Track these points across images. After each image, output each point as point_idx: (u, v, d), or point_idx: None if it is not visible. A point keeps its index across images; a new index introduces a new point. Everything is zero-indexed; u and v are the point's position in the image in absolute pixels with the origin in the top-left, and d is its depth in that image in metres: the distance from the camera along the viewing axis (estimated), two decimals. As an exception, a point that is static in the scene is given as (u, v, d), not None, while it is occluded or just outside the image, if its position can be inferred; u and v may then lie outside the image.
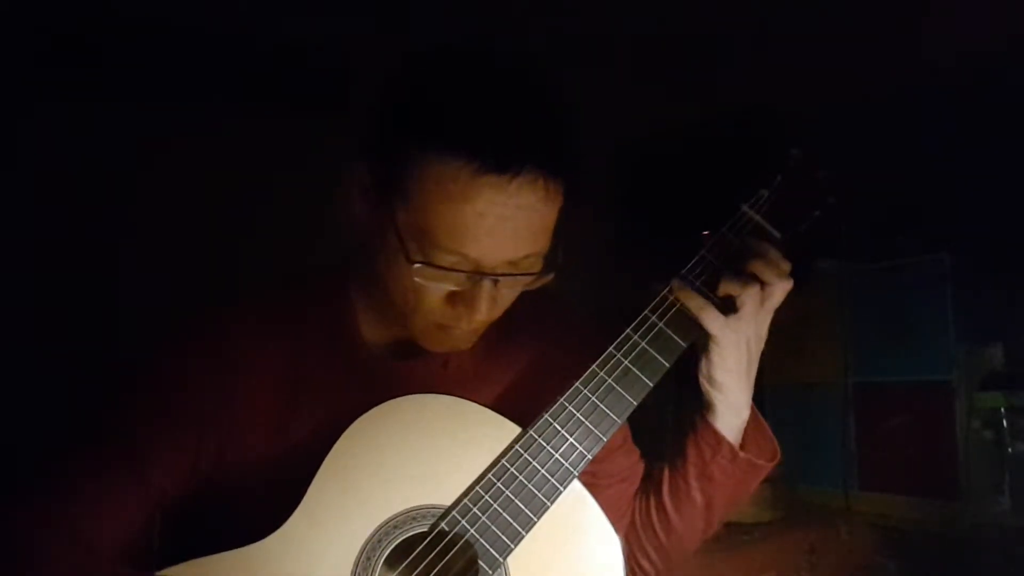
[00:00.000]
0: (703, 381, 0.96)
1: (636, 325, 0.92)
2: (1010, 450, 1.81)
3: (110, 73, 1.71)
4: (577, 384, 0.90)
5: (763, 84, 1.92)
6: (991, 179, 1.78)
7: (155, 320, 0.96)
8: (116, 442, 0.86)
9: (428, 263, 0.81)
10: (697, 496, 0.99)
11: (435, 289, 0.84)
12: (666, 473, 1.01)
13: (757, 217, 0.97)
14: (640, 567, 1.04)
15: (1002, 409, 1.83)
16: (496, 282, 0.84)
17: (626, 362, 0.90)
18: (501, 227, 0.80)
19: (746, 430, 0.98)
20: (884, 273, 2.03)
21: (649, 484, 1.04)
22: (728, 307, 0.92)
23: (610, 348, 0.91)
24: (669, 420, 1.08)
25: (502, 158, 0.78)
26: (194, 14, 1.66)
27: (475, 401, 0.91)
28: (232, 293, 0.99)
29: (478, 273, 0.82)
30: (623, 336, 0.92)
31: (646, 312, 0.93)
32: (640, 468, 1.07)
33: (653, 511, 1.02)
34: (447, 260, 0.81)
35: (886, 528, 1.97)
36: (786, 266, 0.93)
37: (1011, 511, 1.80)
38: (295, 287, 0.99)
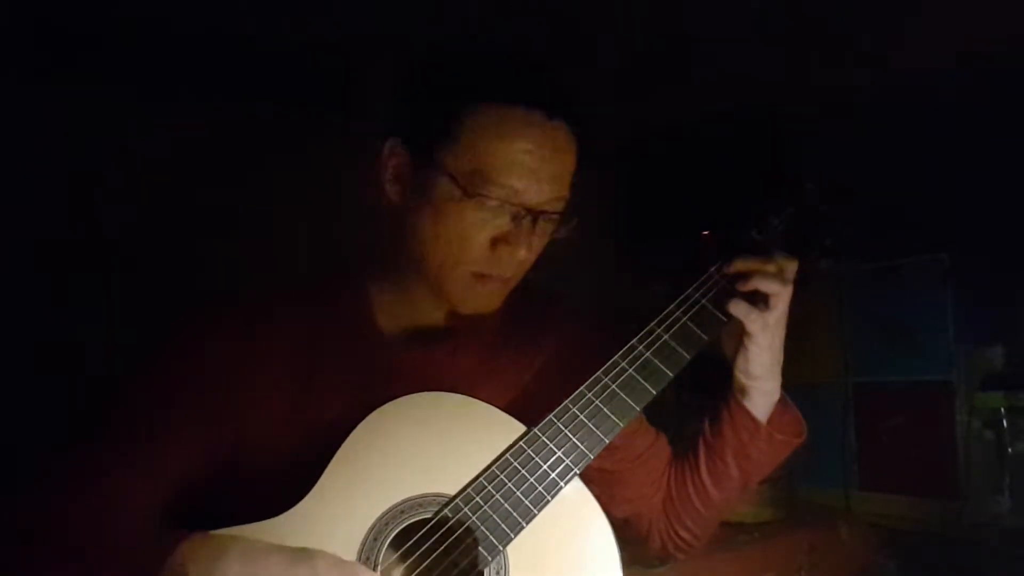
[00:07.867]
0: (739, 374, 1.03)
1: (642, 336, 0.97)
2: (1010, 450, 1.82)
3: (109, 72, 1.71)
4: (582, 388, 0.94)
5: (764, 85, 1.93)
6: (990, 179, 1.79)
7: (162, 315, 0.96)
8: (136, 424, 0.88)
9: (486, 196, 0.89)
10: (735, 473, 1.07)
11: (482, 232, 0.91)
12: (702, 453, 1.08)
13: (768, 245, 1.02)
14: (680, 537, 1.11)
15: (1002, 409, 1.83)
16: (535, 222, 0.91)
17: (631, 370, 0.95)
18: (542, 165, 0.90)
19: (774, 410, 1.05)
20: (884, 273, 2.04)
21: (684, 463, 1.10)
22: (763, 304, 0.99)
23: (616, 356, 0.95)
24: (672, 405, 1.13)
25: (546, 103, 0.90)
26: (194, 14, 1.66)
27: (481, 392, 0.94)
28: (236, 288, 1.00)
29: (525, 208, 0.90)
30: (628, 346, 0.96)
31: (652, 325, 0.97)
32: (662, 443, 1.13)
33: (691, 487, 1.09)
34: (499, 194, 0.89)
35: (886, 528, 1.98)
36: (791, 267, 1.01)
37: (1011, 511, 1.80)
38: (311, 277, 1.02)
